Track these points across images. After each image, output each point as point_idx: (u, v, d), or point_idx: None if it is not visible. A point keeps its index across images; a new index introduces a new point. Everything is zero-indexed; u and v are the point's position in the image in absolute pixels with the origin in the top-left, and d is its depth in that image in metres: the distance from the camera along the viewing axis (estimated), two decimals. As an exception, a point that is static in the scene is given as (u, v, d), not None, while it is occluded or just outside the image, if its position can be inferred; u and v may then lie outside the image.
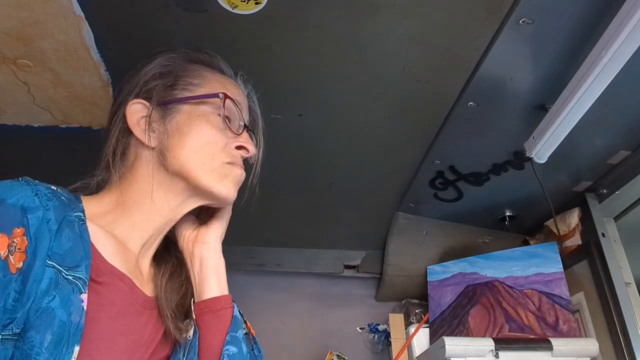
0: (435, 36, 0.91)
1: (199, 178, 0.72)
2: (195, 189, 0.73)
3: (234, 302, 0.75)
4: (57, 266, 0.56)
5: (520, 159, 1.22)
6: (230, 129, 0.77)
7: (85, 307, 0.57)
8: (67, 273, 0.57)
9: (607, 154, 1.18)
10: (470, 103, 1.06)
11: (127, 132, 0.74)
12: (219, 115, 0.76)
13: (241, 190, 0.80)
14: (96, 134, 1.15)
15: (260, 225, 1.59)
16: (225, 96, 0.75)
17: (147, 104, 0.74)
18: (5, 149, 1.21)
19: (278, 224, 1.59)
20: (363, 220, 1.57)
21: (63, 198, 0.63)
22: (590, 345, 1.18)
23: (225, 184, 0.74)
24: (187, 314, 0.76)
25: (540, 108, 1.04)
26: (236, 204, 0.80)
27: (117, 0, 0.85)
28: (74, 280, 0.57)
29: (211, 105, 0.76)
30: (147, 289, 0.72)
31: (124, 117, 0.74)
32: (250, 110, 0.86)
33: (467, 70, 0.98)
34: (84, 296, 0.58)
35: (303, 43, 0.93)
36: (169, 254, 0.80)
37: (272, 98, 1.07)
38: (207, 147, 0.73)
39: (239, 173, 0.76)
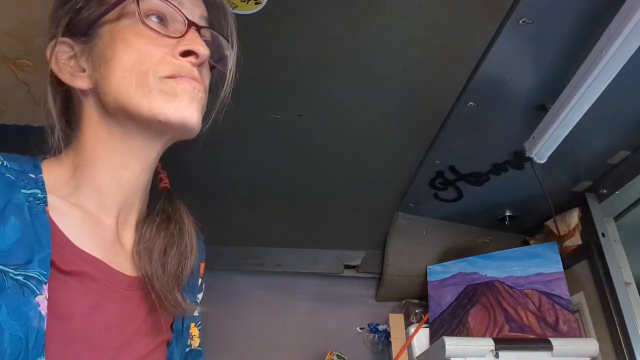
0: (435, 36, 0.91)
1: (138, 107, 0.56)
2: (141, 122, 0.58)
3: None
4: (1, 267, 0.46)
5: (520, 159, 1.22)
6: (167, 34, 0.59)
7: (43, 312, 0.47)
8: (15, 273, 0.46)
9: (607, 154, 1.18)
10: (470, 103, 1.06)
11: (59, 80, 0.61)
12: (151, 21, 0.59)
13: (212, 106, 0.66)
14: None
15: (260, 225, 1.59)
16: None
17: (64, 39, 0.60)
18: (5, 149, 1.21)
19: (278, 224, 1.59)
20: (363, 220, 1.57)
21: (9, 175, 0.52)
22: (590, 345, 1.18)
23: (174, 104, 0.57)
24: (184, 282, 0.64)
25: (540, 108, 1.04)
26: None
27: (117, 0, 0.85)
28: (25, 282, 0.46)
29: (133, 14, 0.58)
30: (133, 268, 0.62)
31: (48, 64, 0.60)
32: (211, 4, 0.68)
33: (467, 70, 0.98)
34: (40, 299, 0.47)
35: (303, 43, 0.93)
36: (154, 214, 0.66)
37: (272, 98, 1.07)
38: (137, 65, 0.56)
39: (189, 87, 0.58)
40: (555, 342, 1.18)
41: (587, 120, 0.94)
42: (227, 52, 0.68)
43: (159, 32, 0.59)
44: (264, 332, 1.66)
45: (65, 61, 0.61)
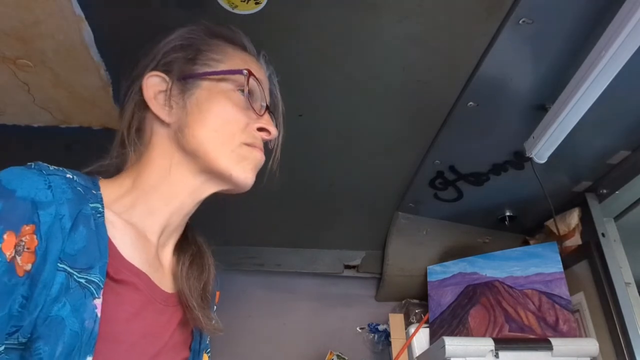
0: (435, 36, 0.91)
1: (218, 159, 0.67)
2: (213, 170, 0.68)
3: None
4: (68, 269, 0.51)
5: (520, 159, 1.22)
6: (253, 108, 0.72)
7: (99, 314, 0.52)
8: (79, 276, 0.52)
9: (607, 154, 1.18)
10: (470, 103, 1.06)
11: (143, 106, 0.70)
12: (241, 93, 0.71)
13: (260, 176, 0.77)
14: (96, 134, 1.15)
15: (260, 225, 1.59)
16: (250, 73, 0.71)
17: (166, 77, 0.70)
18: (5, 149, 1.21)
19: (278, 224, 1.59)
20: (363, 220, 1.57)
21: (79, 188, 0.58)
22: (590, 345, 1.18)
23: (243, 166, 0.69)
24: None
25: (540, 108, 1.04)
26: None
27: (117, 0, 0.85)
28: (87, 284, 0.52)
29: (232, 82, 0.71)
30: (168, 284, 0.68)
31: (140, 90, 0.69)
32: (271, 92, 0.81)
33: (467, 70, 0.98)
34: (97, 302, 0.53)
35: (303, 43, 0.93)
36: (187, 241, 0.76)
37: (272, 98, 1.07)
38: (227, 126, 0.68)
39: (259, 156, 0.71)
40: (555, 342, 1.18)
41: (587, 120, 0.94)
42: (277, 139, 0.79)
43: (252, 108, 0.71)
44: (264, 332, 1.66)
45: (156, 93, 0.69)
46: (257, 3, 0.84)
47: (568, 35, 0.88)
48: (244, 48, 0.77)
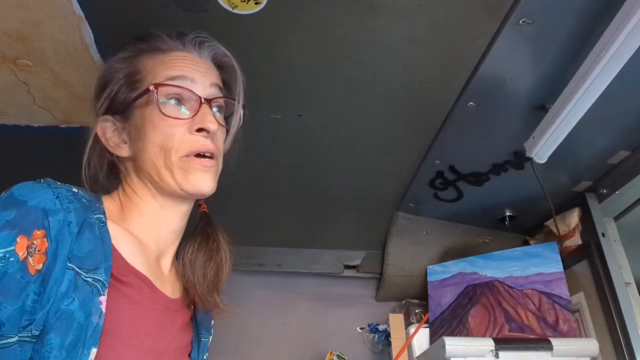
0: (435, 36, 0.91)
1: (166, 180, 0.69)
2: (166, 191, 0.71)
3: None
4: (76, 268, 0.57)
5: (520, 159, 1.22)
6: (180, 117, 0.70)
7: (103, 310, 0.57)
8: (86, 275, 0.57)
9: (607, 154, 1.18)
10: (470, 103, 1.06)
11: (105, 148, 0.74)
12: (173, 102, 0.71)
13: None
14: (96, 134, 1.15)
15: (260, 226, 1.59)
16: (156, 86, 0.69)
17: (109, 117, 0.73)
18: (5, 149, 1.21)
19: (278, 224, 1.59)
20: (363, 220, 1.57)
21: (84, 200, 0.63)
22: (590, 345, 1.18)
23: (191, 179, 0.69)
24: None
25: (540, 108, 1.04)
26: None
27: (117, 0, 0.85)
28: (94, 283, 0.58)
29: (158, 96, 0.70)
30: (169, 290, 0.72)
31: (96, 137, 0.74)
32: (225, 68, 0.79)
33: (467, 70, 0.98)
34: (103, 298, 0.58)
35: (303, 43, 0.93)
36: (195, 233, 0.78)
37: (272, 98, 1.07)
38: (164, 144, 0.69)
39: (200, 167, 0.70)
40: (555, 342, 1.18)
41: (587, 120, 0.94)
42: (235, 108, 0.79)
43: (174, 118, 0.70)
44: (264, 332, 1.66)
45: (110, 134, 0.73)
46: (257, 3, 0.84)
47: (568, 35, 0.88)
48: (160, 50, 0.74)
